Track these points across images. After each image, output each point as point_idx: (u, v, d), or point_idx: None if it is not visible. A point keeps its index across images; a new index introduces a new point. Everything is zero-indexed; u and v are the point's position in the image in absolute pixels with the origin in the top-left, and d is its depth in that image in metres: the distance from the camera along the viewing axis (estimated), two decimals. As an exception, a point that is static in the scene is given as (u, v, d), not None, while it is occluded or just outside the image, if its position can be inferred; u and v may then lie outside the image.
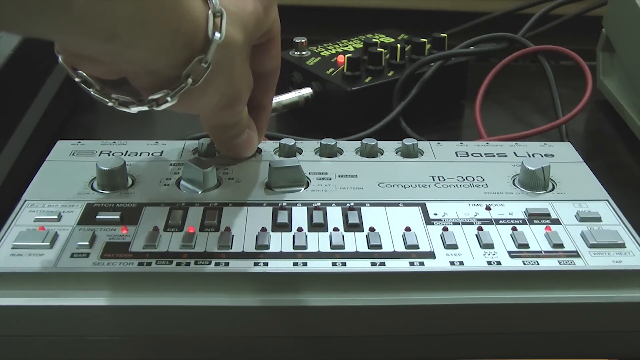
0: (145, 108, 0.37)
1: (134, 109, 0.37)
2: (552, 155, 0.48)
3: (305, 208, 0.41)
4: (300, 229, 0.40)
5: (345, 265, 0.37)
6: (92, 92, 0.38)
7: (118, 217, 0.40)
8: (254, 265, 0.37)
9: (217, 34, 0.35)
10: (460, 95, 0.67)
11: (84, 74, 0.37)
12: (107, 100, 0.38)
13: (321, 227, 0.40)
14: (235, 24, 0.37)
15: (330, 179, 0.44)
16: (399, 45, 0.64)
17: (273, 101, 0.54)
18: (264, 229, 0.39)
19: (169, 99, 0.36)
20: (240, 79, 0.39)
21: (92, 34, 0.31)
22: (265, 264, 0.37)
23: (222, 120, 0.42)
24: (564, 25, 0.74)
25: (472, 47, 0.66)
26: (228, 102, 0.40)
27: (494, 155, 0.48)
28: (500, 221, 0.41)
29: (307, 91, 0.61)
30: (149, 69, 0.36)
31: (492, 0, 0.80)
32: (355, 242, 0.39)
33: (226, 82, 0.38)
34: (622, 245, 0.39)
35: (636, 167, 0.58)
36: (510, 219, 0.41)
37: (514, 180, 0.45)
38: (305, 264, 0.37)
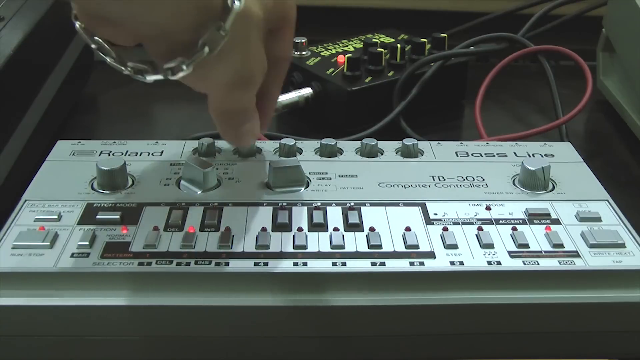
0: (160, 77, 0.37)
1: (150, 78, 0.38)
2: (552, 155, 0.48)
3: (305, 208, 0.41)
4: (300, 229, 0.40)
5: (346, 265, 0.37)
6: (108, 60, 0.38)
7: (118, 217, 0.40)
8: (254, 265, 0.37)
9: (237, 3, 0.36)
10: (460, 95, 0.67)
11: (101, 41, 0.37)
12: (123, 68, 0.38)
13: (321, 227, 0.40)
14: None
15: (330, 179, 0.44)
16: (399, 45, 0.64)
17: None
18: (264, 229, 0.39)
19: (184, 67, 0.36)
20: (255, 58, 0.40)
21: None
22: (266, 264, 0.37)
23: (232, 104, 0.41)
24: (564, 25, 0.74)
25: (472, 47, 0.66)
26: (241, 81, 0.39)
27: (494, 155, 0.48)
28: (500, 221, 0.41)
29: (307, 91, 0.61)
30: (166, 32, 0.36)
31: (492, 0, 0.80)
32: (356, 242, 0.39)
33: (241, 57, 0.38)
34: (622, 245, 0.39)
35: (636, 167, 0.58)
36: (510, 219, 0.41)
37: (514, 180, 0.45)
38: (305, 264, 0.37)
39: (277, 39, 0.42)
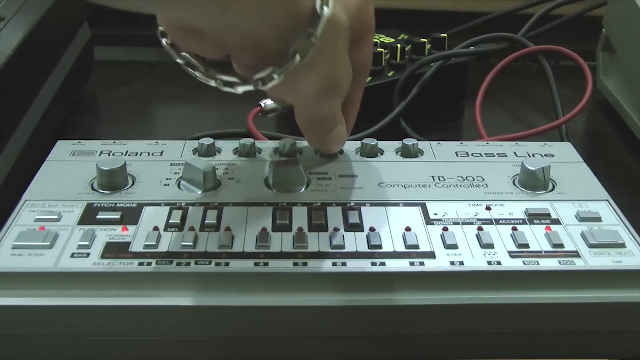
0: (250, 87, 0.37)
1: (240, 89, 0.37)
2: (552, 155, 0.48)
3: (305, 208, 0.41)
4: (300, 229, 0.40)
5: (346, 265, 0.37)
6: (196, 75, 0.38)
7: (118, 217, 0.40)
8: (254, 265, 0.37)
9: (326, 9, 0.36)
10: (460, 95, 0.67)
11: (188, 56, 0.37)
12: (212, 81, 0.38)
13: (321, 227, 0.40)
14: (340, 5, 0.37)
15: (330, 179, 0.44)
16: (399, 45, 0.64)
17: (273, 101, 0.54)
18: (264, 229, 0.39)
19: (275, 76, 0.36)
20: (342, 67, 0.40)
21: (208, 6, 0.32)
22: (266, 264, 0.37)
23: (319, 113, 0.42)
24: (564, 25, 0.74)
25: (472, 47, 0.66)
26: (329, 90, 0.40)
27: (494, 155, 0.48)
28: (500, 221, 0.41)
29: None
30: (256, 42, 0.36)
31: (492, 0, 0.80)
32: (356, 242, 0.39)
33: (329, 66, 0.38)
34: (622, 245, 0.39)
35: (636, 167, 0.58)
36: (510, 219, 0.41)
37: (514, 180, 0.45)
38: (305, 264, 0.37)
39: (360, 47, 0.42)
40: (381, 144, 0.48)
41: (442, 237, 0.39)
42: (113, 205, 0.41)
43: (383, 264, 0.37)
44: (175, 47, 0.38)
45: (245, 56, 0.37)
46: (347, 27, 0.38)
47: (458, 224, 0.40)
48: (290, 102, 0.41)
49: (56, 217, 0.40)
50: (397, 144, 0.48)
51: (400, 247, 0.39)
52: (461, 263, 0.37)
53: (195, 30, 0.35)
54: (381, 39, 0.68)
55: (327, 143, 0.45)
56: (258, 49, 0.36)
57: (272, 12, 0.35)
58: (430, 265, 0.37)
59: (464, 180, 0.45)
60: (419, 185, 0.44)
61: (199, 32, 0.35)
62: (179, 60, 0.38)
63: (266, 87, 0.37)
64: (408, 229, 0.40)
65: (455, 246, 0.39)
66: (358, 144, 0.48)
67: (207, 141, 0.47)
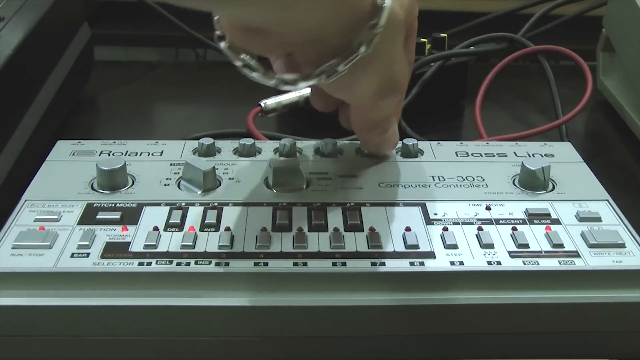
0: (313, 82, 0.37)
1: (302, 84, 0.37)
2: (552, 155, 0.48)
3: (305, 208, 0.41)
4: (300, 229, 0.40)
5: (346, 265, 0.37)
6: (255, 76, 0.37)
7: (118, 217, 0.40)
8: (254, 265, 0.37)
9: (387, 1, 0.36)
10: (460, 95, 0.67)
11: (247, 58, 0.37)
12: (272, 81, 0.37)
13: (321, 227, 0.40)
14: (397, 1, 0.38)
15: (331, 179, 0.44)
16: (399, 45, 0.64)
17: (273, 101, 0.54)
18: (264, 229, 0.39)
19: (338, 68, 0.36)
20: (399, 63, 0.40)
21: (273, 4, 0.32)
22: (266, 264, 0.37)
23: (378, 112, 0.42)
24: (564, 25, 0.74)
25: (472, 47, 0.66)
26: (388, 88, 0.40)
27: (494, 155, 0.48)
28: (500, 221, 0.41)
29: (307, 91, 0.61)
30: (319, 37, 0.36)
31: (492, 0, 0.80)
32: (356, 242, 0.39)
33: (389, 61, 0.38)
34: (622, 245, 0.39)
35: (636, 167, 0.58)
36: (510, 219, 0.41)
37: (514, 180, 0.45)
38: (305, 264, 0.37)
39: (407, 45, 0.42)
40: (381, 144, 0.48)
41: (442, 237, 0.39)
42: (113, 205, 0.41)
43: (383, 264, 0.37)
44: (234, 50, 0.37)
45: (308, 52, 0.37)
46: (403, 22, 0.38)
47: (458, 224, 0.40)
48: (349, 101, 0.41)
49: (56, 217, 0.40)
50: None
51: (400, 247, 0.39)
52: (461, 263, 0.37)
53: (258, 30, 0.35)
54: (381, 39, 0.68)
55: (382, 145, 0.45)
56: (321, 44, 0.36)
57: (335, 7, 0.35)
58: (430, 265, 0.37)
59: (464, 180, 0.45)
60: (419, 185, 0.44)
61: (261, 31, 0.35)
62: (237, 63, 0.37)
63: (329, 80, 0.36)
64: (408, 229, 0.40)
65: (455, 246, 0.39)
66: (358, 144, 0.48)
67: (207, 141, 0.47)
